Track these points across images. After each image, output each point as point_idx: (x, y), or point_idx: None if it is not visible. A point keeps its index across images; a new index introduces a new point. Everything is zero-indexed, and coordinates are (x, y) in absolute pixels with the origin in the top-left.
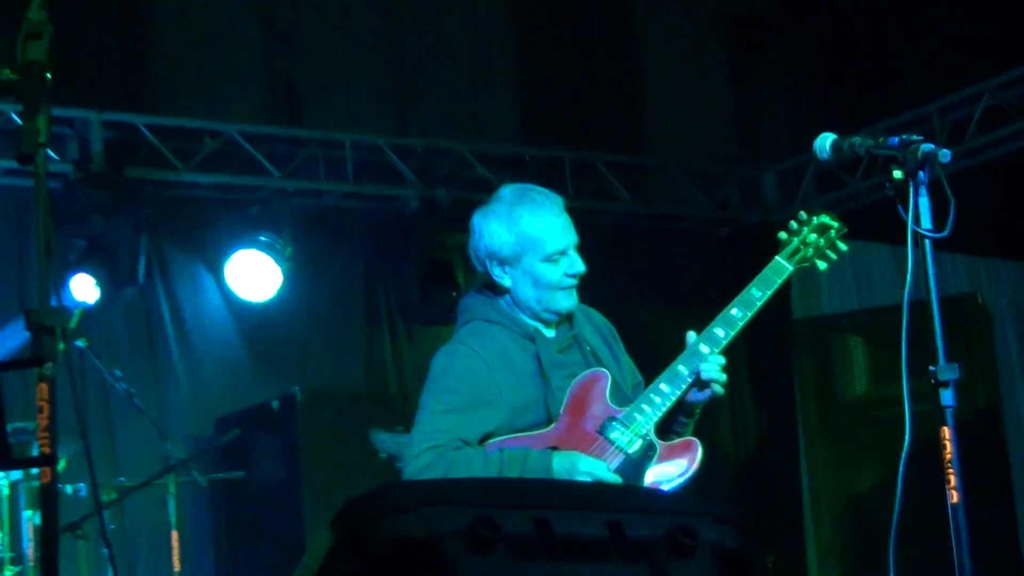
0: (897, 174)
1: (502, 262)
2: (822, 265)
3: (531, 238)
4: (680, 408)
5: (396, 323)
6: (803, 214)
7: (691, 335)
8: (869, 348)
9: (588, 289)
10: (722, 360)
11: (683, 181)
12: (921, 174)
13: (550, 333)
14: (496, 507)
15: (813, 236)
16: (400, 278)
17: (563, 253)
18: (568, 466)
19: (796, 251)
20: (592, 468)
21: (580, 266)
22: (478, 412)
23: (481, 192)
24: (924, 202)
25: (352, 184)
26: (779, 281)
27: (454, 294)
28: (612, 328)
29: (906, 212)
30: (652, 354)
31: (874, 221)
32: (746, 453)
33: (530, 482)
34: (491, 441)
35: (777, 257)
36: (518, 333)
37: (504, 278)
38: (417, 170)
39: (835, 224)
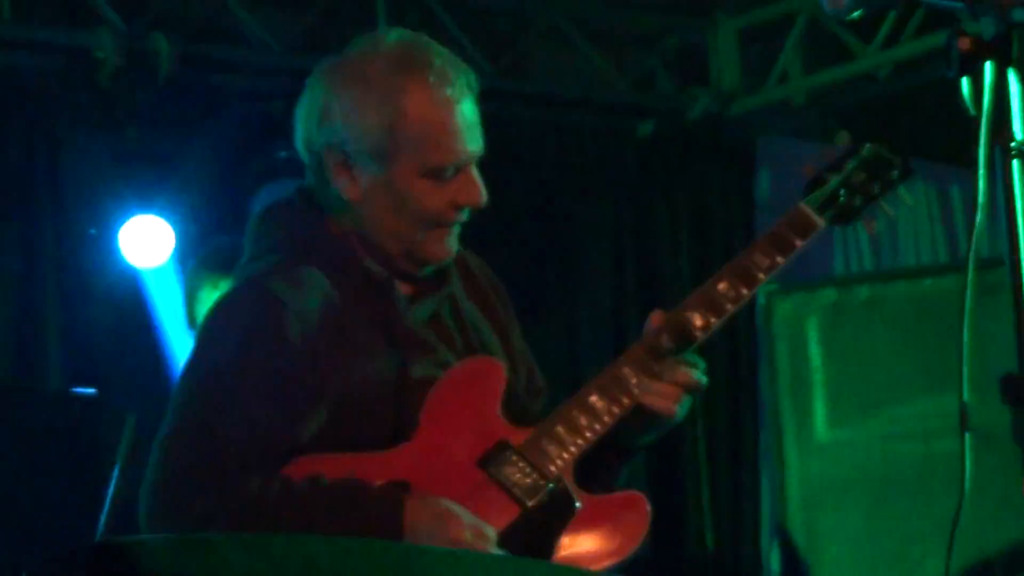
0: (964, 42)
1: (353, 162)
2: (869, 227)
3: (416, 132)
4: (615, 439)
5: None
6: (845, 137)
7: (656, 317)
8: (891, 338)
9: None
10: (699, 364)
11: (582, 42)
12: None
13: (405, 286)
14: None
15: (862, 176)
16: (87, 181)
17: (460, 168)
18: (432, 522)
19: (833, 197)
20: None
21: (479, 194)
22: (278, 406)
23: (232, 46)
24: (1016, 92)
25: (10, 24)
26: (801, 244)
27: (172, 228)
28: (500, 288)
29: (977, 109)
30: (532, 334)
31: (902, 124)
32: (690, 517)
33: (342, 545)
34: (297, 461)
35: (802, 204)
36: (358, 282)
37: (351, 187)
38: (122, 5)
39: (896, 160)
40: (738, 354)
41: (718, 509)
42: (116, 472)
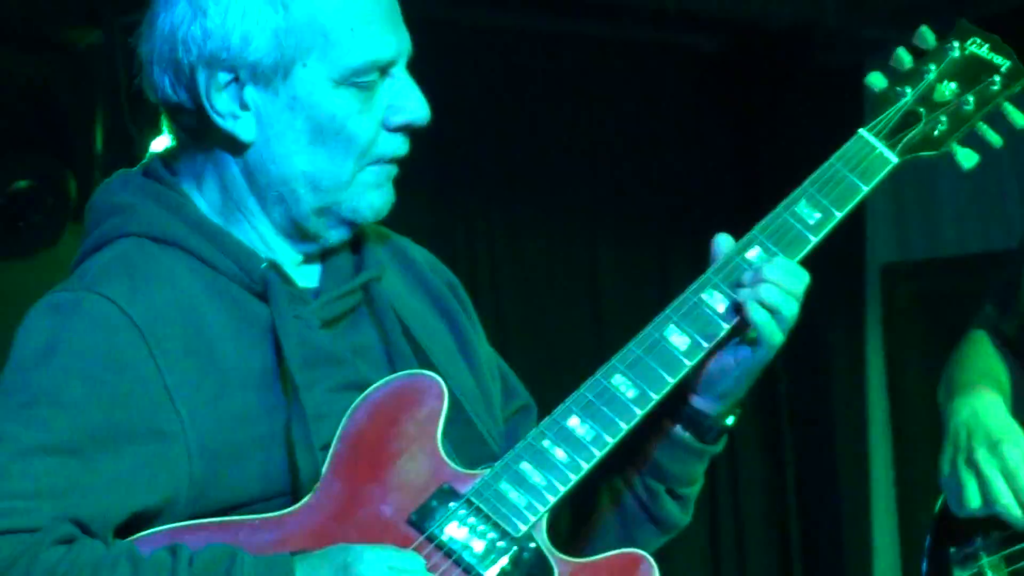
0: None
1: (242, 80)
2: (966, 159)
3: (324, 22)
4: (660, 445)
5: None
6: (927, 34)
7: (724, 244)
8: None
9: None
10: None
11: None
12: None
13: (307, 276)
14: None
15: (950, 88)
16: None
17: (384, 71)
18: None
19: (908, 121)
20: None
21: (417, 105)
22: (124, 456)
23: None
24: None
25: None
26: (865, 188)
27: None
28: (457, 285)
29: None
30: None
31: None
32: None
33: None
34: (150, 533)
35: (863, 132)
36: (230, 275)
37: (243, 122)
38: None
39: (1003, 61)
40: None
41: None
42: None
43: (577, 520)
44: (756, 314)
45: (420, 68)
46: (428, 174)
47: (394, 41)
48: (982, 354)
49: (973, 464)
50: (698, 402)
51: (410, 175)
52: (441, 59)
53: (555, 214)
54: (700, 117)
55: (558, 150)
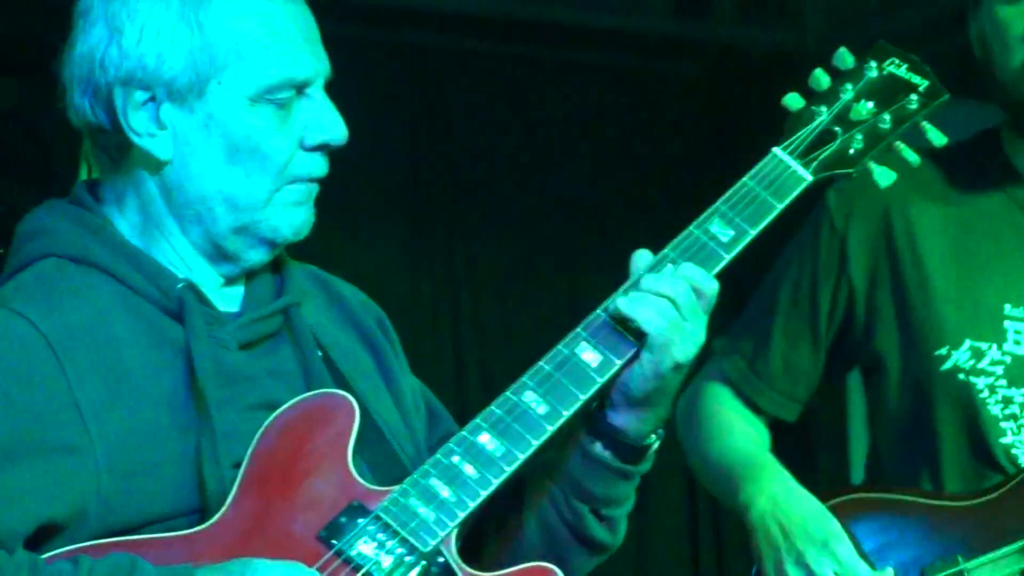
0: None
1: (158, 99)
2: (883, 177)
3: (238, 39)
4: (580, 461)
5: None
6: (845, 55)
7: (641, 261)
8: None
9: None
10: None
11: None
12: None
13: (228, 299)
14: None
15: (867, 107)
16: None
17: (300, 90)
18: None
19: (823, 140)
20: None
21: (334, 124)
22: (31, 469)
23: None
24: None
25: None
26: (779, 206)
27: None
28: (384, 320)
29: None
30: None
31: None
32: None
33: None
34: (58, 552)
35: (777, 150)
36: (146, 295)
37: (160, 140)
38: None
39: (921, 81)
40: None
41: None
42: None
43: (504, 543)
44: (645, 320)
45: (410, 89)
46: (408, 192)
47: (310, 61)
48: (737, 417)
49: (804, 566)
50: (615, 419)
51: (391, 192)
52: (426, 83)
53: (537, 238)
54: (682, 142)
55: (540, 174)
